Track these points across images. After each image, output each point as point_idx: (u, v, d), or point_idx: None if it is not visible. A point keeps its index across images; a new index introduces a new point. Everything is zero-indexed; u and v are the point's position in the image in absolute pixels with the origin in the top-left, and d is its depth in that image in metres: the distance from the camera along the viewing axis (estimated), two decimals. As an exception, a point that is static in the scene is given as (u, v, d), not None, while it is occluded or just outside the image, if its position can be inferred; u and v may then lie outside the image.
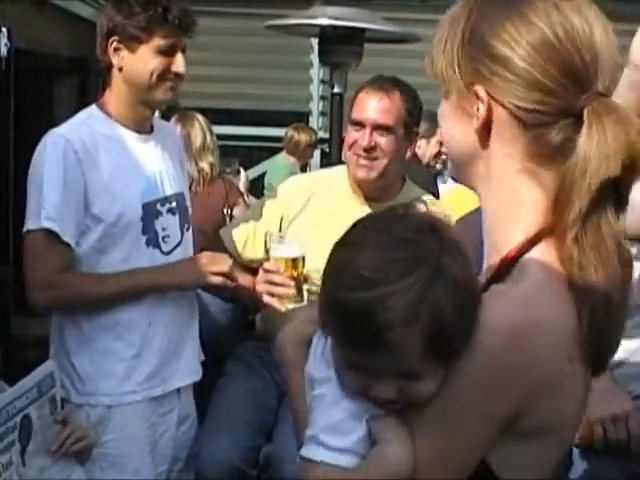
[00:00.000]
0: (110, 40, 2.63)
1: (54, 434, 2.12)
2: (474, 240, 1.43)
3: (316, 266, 3.02)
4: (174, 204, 2.78)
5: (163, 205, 2.74)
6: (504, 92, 1.25)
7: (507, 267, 1.24)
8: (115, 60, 2.65)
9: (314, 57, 7.61)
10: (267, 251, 3.10)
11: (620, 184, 1.20)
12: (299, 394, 1.31)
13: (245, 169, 7.34)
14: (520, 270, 1.23)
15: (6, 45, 5.25)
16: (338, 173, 3.17)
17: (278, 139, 7.65)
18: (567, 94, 1.22)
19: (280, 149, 7.64)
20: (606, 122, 1.20)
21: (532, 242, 1.25)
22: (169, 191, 2.78)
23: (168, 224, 2.75)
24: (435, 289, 1.13)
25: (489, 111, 1.26)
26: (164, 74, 2.64)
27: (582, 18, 1.25)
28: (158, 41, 2.61)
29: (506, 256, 1.26)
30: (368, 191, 3.02)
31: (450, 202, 4.58)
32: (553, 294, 1.20)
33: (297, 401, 1.32)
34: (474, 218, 1.78)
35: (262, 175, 7.83)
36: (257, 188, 7.20)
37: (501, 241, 1.28)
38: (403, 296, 1.12)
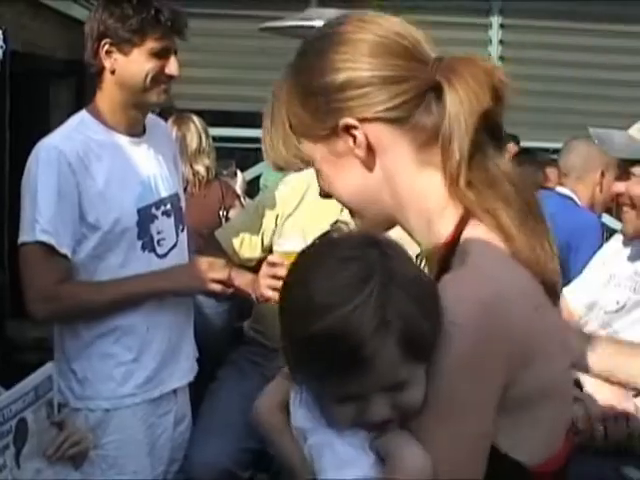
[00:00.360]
0: (102, 43, 2.62)
1: (50, 438, 2.11)
2: None
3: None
4: (169, 206, 2.78)
5: (158, 208, 2.74)
6: (367, 107, 1.29)
7: (446, 259, 1.27)
8: (107, 63, 2.63)
9: (310, 59, 7.60)
10: (264, 250, 3.10)
11: (492, 120, 1.27)
12: (297, 456, 1.26)
13: (241, 171, 7.33)
14: (459, 255, 1.25)
15: (2, 47, 5.24)
16: None
17: (274, 141, 7.66)
18: (416, 73, 1.29)
19: (276, 151, 7.64)
20: (460, 69, 1.27)
21: (459, 227, 1.28)
22: (164, 193, 2.77)
23: (163, 227, 2.75)
24: (392, 292, 1.16)
25: (365, 135, 1.29)
26: (158, 77, 2.63)
27: (384, 19, 1.34)
28: (151, 44, 2.60)
29: (443, 249, 1.28)
30: None
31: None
32: (496, 258, 1.23)
33: (302, 468, 1.26)
34: None
35: (259, 177, 7.81)
36: (253, 190, 7.19)
37: (434, 242, 1.31)
38: (365, 308, 1.14)
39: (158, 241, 2.73)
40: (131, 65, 2.61)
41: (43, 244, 2.55)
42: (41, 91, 6.41)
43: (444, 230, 1.29)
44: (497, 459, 1.20)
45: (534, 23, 7.65)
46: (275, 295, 2.78)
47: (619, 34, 7.69)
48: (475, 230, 1.26)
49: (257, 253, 3.11)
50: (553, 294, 1.29)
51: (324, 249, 1.24)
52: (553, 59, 7.62)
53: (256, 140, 9.05)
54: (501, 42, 7.74)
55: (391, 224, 1.37)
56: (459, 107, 1.25)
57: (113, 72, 2.63)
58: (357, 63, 1.29)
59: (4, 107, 5.23)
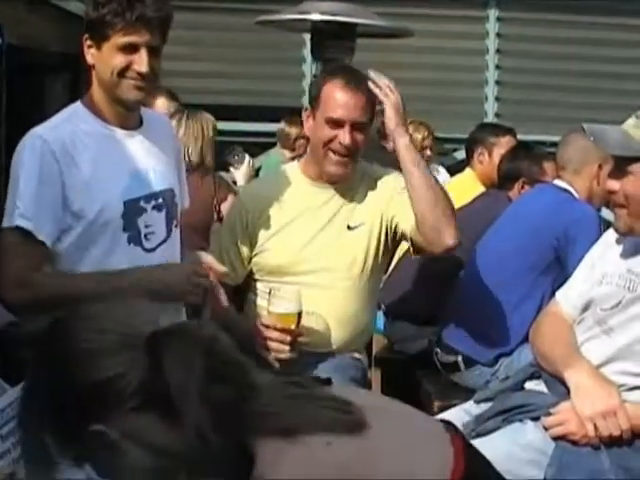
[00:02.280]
0: (84, 38, 2.61)
1: None
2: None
3: (306, 254, 3.04)
4: (160, 200, 2.73)
5: (148, 202, 2.69)
6: (108, 409, 1.40)
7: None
8: (88, 58, 2.61)
9: (306, 52, 7.60)
10: (234, 269, 3.12)
11: (222, 374, 1.42)
12: None
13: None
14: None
15: (-2, 41, 5.22)
16: (290, 169, 3.24)
17: (271, 134, 7.64)
18: (133, 362, 1.39)
19: (274, 144, 7.63)
20: (168, 343, 1.41)
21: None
22: (157, 187, 2.72)
23: (152, 221, 2.70)
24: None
25: (114, 431, 1.41)
26: (125, 73, 2.58)
27: None
28: (118, 38, 2.55)
29: None
30: (333, 180, 3.07)
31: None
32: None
33: None
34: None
35: (257, 170, 7.81)
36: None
37: None
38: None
39: (146, 235, 2.68)
40: (102, 60, 2.58)
41: (21, 230, 2.53)
42: (36, 84, 6.40)
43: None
44: None
45: (531, 16, 7.65)
46: (266, 353, 2.89)
47: (616, 27, 7.69)
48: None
49: (229, 269, 3.04)
50: None
51: None
52: (550, 52, 7.61)
53: (252, 134, 9.04)
54: (498, 35, 7.74)
55: None
56: (177, 376, 1.35)
57: (93, 67, 2.62)
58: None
59: (0, 100, 5.22)
